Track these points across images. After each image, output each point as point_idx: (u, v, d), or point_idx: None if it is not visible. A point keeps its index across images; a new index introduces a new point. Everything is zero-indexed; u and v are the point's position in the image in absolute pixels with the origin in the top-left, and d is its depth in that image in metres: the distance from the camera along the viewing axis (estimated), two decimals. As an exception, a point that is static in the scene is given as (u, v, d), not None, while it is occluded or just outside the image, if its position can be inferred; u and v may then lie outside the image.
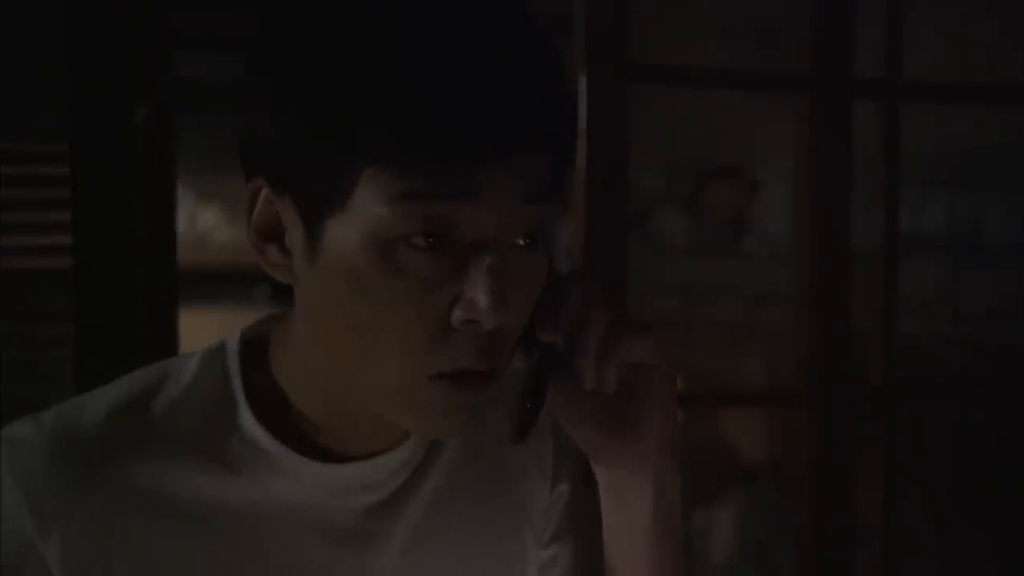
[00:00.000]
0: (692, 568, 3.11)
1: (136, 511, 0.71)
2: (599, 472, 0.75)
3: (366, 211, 0.63)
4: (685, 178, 3.53)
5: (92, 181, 1.50)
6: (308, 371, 0.73)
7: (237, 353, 0.75)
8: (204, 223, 3.47)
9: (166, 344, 1.50)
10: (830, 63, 1.72)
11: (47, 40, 1.50)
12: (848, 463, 1.77)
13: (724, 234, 3.37)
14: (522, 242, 0.66)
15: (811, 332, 1.74)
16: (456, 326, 0.65)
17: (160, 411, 0.73)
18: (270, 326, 0.77)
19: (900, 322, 1.73)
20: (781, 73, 2.20)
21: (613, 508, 0.76)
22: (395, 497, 0.77)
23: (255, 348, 0.76)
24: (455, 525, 0.79)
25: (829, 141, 1.73)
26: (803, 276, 1.76)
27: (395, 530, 0.76)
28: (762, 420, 3.10)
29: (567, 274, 0.70)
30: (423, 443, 0.79)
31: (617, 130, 1.56)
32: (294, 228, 0.67)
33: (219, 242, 3.48)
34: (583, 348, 0.69)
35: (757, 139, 3.19)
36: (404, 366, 0.66)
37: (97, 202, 1.50)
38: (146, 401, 0.73)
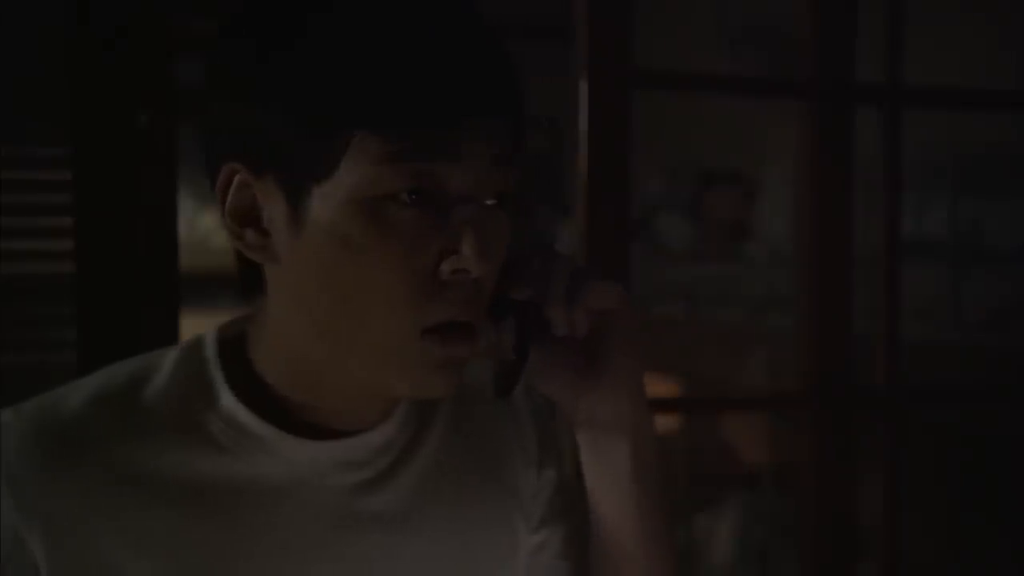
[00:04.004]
0: (694, 571, 3.11)
1: (120, 494, 0.72)
2: (577, 424, 0.78)
3: (354, 175, 0.67)
4: (687, 183, 3.53)
5: (94, 186, 1.50)
6: (289, 350, 0.75)
7: (215, 343, 0.78)
8: (203, 227, 3.48)
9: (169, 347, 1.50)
10: (832, 69, 1.73)
11: (49, 45, 1.50)
12: (850, 468, 1.77)
13: (725, 239, 3.37)
14: (491, 202, 0.71)
15: (813, 337, 1.74)
16: (444, 278, 0.69)
17: (141, 398, 0.75)
18: (245, 322, 0.79)
19: (902, 327, 1.73)
20: (783, 79, 2.20)
21: (592, 455, 0.78)
22: (381, 477, 0.78)
23: (232, 339, 0.78)
24: (442, 508, 0.80)
25: (831, 146, 1.73)
26: (805, 281, 1.76)
27: (381, 511, 0.78)
28: (764, 425, 3.09)
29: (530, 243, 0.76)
30: (408, 424, 0.80)
31: (619, 135, 1.56)
32: (274, 205, 0.70)
33: (218, 246, 3.49)
34: (552, 296, 0.74)
35: (759, 144, 3.19)
36: (395, 325, 0.69)
37: (99, 207, 1.50)
38: (126, 390, 0.75)
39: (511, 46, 0.72)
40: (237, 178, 0.71)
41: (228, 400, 0.75)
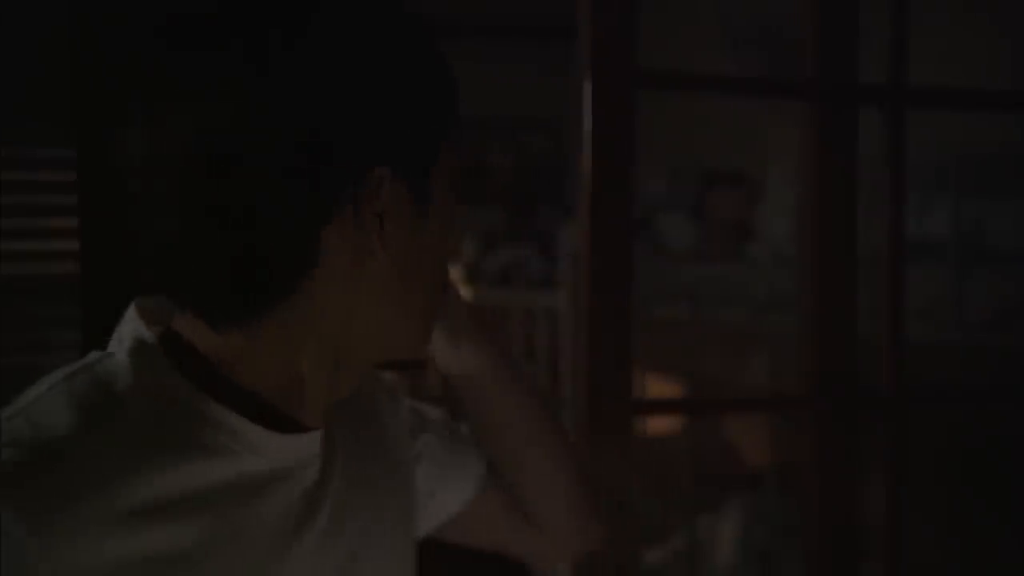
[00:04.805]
0: (697, 572, 3.11)
1: (134, 521, 0.71)
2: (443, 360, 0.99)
3: (449, 163, 0.83)
4: (689, 183, 3.53)
5: (98, 187, 1.50)
6: (339, 340, 0.79)
7: (158, 345, 0.78)
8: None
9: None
10: (835, 69, 1.73)
11: (53, 46, 1.50)
12: (853, 468, 1.77)
13: (728, 239, 3.37)
14: None
15: (816, 337, 1.74)
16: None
17: (121, 415, 0.74)
18: (157, 314, 0.80)
19: (905, 328, 1.73)
20: (786, 79, 2.20)
21: (455, 380, 1.00)
22: (325, 467, 0.84)
23: (174, 342, 0.78)
24: (366, 490, 0.89)
25: (834, 147, 1.73)
26: (808, 282, 1.76)
27: (330, 499, 0.84)
28: (766, 425, 3.10)
29: None
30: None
31: (623, 136, 1.56)
32: (401, 202, 0.78)
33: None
34: None
35: (761, 145, 3.19)
36: (444, 281, 0.89)
37: (103, 208, 1.50)
38: (102, 411, 0.73)
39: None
40: (385, 181, 0.76)
41: (205, 403, 0.76)
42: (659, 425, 3.28)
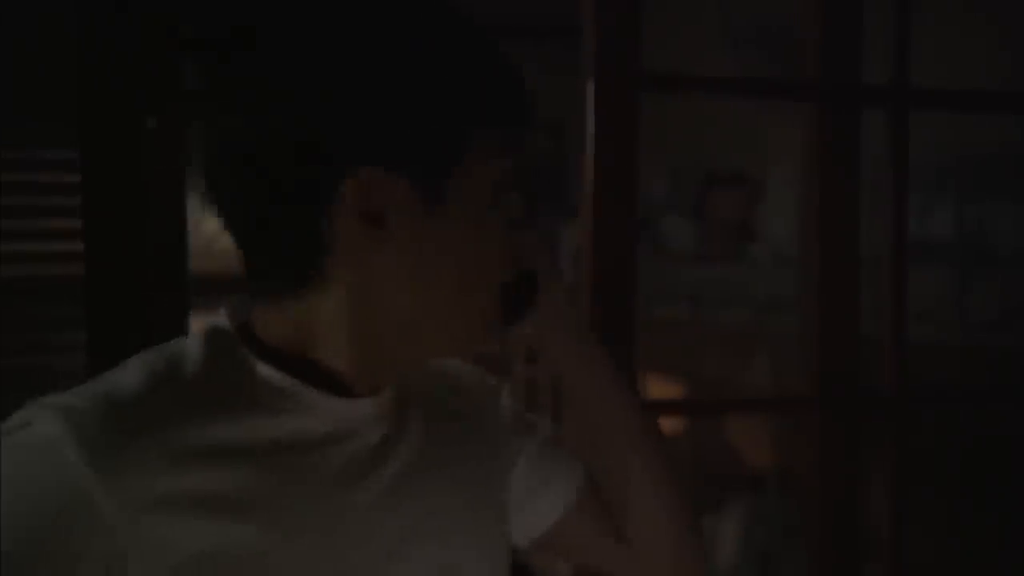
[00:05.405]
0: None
1: (181, 461, 0.77)
2: (559, 357, 0.99)
3: (483, 164, 0.82)
4: (690, 184, 3.54)
5: (103, 189, 1.51)
6: (363, 326, 0.84)
7: (232, 328, 0.86)
8: (209, 230, 3.49)
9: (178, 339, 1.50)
10: (838, 70, 1.73)
11: (58, 48, 1.50)
12: (855, 469, 1.77)
13: (729, 240, 3.37)
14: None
15: (819, 339, 1.74)
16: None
17: (185, 378, 0.81)
18: (240, 311, 0.88)
19: (907, 328, 1.73)
20: (789, 80, 2.20)
21: (569, 380, 0.99)
22: (391, 436, 0.88)
23: (241, 325, 0.87)
24: (439, 467, 0.92)
25: (836, 147, 1.73)
26: (811, 283, 1.76)
27: (393, 465, 0.88)
28: (768, 427, 3.10)
29: None
30: (396, 391, 0.91)
31: (626, 138, 1.56)
32: (404, 202, 0.80)
33: (223, 248, 3.50)
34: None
35: (762, 145, 3.19)
36: (492, 287, 0.87)
37: (108, 210, 1.51)
38: (170, 374, 0.81)
39: (516, 46, 0.82)
40: (372, 181, 0.79)
41: (266, 370, 0.83)
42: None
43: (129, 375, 0.80)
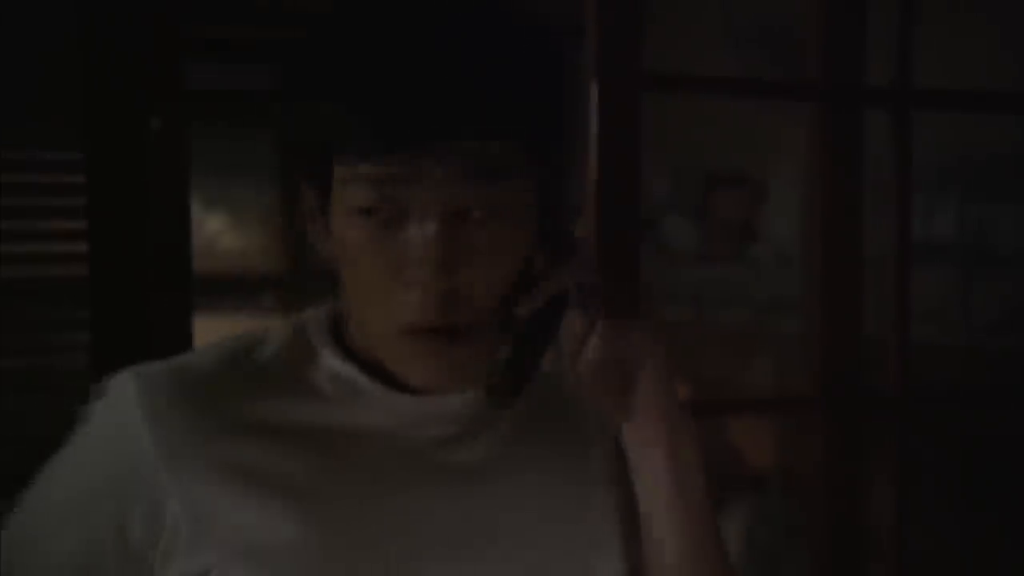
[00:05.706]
0: None
1: (240, 436, 0.82)
2: (623, 434, 0.87)
3: (342, 189, 0.78)
4: (692, 185, 3.53)
5: (107, 190, 1.51)
6: (358, 326, 0.86)
7: (319, 318, 0.89)
8: (211, 230, 3.48)
9: (180, 351, 1.50)
10: (841, 71, 1.73)
11: (63, 50, 1.50)
12: (858, 470, 1.77)
13: (731, 241, 3.37)
14: (477, 215, 0.77)
15: (822, 340, 1.74)
16: (409, 283, 0.77)
17: (256, 359, 0.86)
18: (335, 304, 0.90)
19: (910, 329, 1.73)
20: (792, 81, 2.21)
21: (636, 466, 0.87)
22: (463, 435, 0.86)
23: (332, 317, 0.89)
24: (516, 467, 0.88)
25: (840, 149, 1.74)
26: (814, 284, 1.76)
27: (462, 462, 0.86)
28: (771, 427, 3.09)
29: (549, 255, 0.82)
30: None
31: (629, 139, 1.56)
32: (314, 209, 0.83)
33: (225, 248, 3.49)
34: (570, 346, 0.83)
35: (765, 146, 3.19)
36: (381, 317, 0.80)
37: (112, 210, 1.51)
38: (243, 353, 0.86)
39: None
40: (303, 184, 0.83)
41: (332, 360, 0.86)
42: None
43: (209, 352, 0.87)
